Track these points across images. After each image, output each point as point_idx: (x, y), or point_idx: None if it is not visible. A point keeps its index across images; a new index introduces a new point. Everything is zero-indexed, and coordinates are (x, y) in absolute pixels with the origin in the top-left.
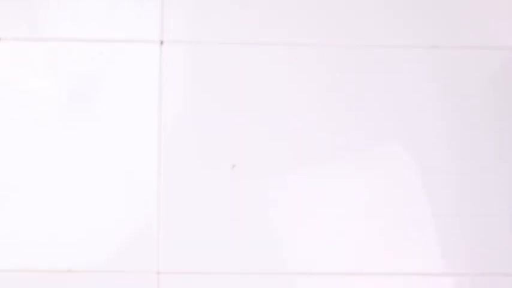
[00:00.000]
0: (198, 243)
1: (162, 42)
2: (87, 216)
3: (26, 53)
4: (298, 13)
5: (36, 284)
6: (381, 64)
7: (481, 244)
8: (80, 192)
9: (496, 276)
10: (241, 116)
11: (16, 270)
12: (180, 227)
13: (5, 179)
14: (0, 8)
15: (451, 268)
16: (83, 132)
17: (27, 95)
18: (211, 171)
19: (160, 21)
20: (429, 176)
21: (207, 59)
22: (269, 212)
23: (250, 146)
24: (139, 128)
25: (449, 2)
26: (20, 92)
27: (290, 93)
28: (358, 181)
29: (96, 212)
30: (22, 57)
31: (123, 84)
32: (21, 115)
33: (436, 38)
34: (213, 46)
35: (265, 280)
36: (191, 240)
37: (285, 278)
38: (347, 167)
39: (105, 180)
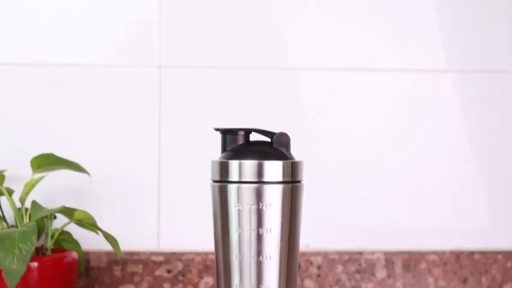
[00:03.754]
0: (200, 38)
1: None
2: (88, 8)
3: None
4: None
5: (35, 78)
6: None
7: (482, 41)
8: None
9: (496, 73)
10: None
11: (14, 64)
12: (182, 20)
13: None
14: None
15: (453, 65)
16: None
17: None
18: None
19: None
20: None
21: None
22: (273, 8)
23: None
24: None
25: None
26: None
27: None
28: None
29: (98, 3)
30: None
31: None
32: None
33: None
34: None
35: (268, 75)
36: (193, 35)
37: (287, 73)
38: None
39: None
